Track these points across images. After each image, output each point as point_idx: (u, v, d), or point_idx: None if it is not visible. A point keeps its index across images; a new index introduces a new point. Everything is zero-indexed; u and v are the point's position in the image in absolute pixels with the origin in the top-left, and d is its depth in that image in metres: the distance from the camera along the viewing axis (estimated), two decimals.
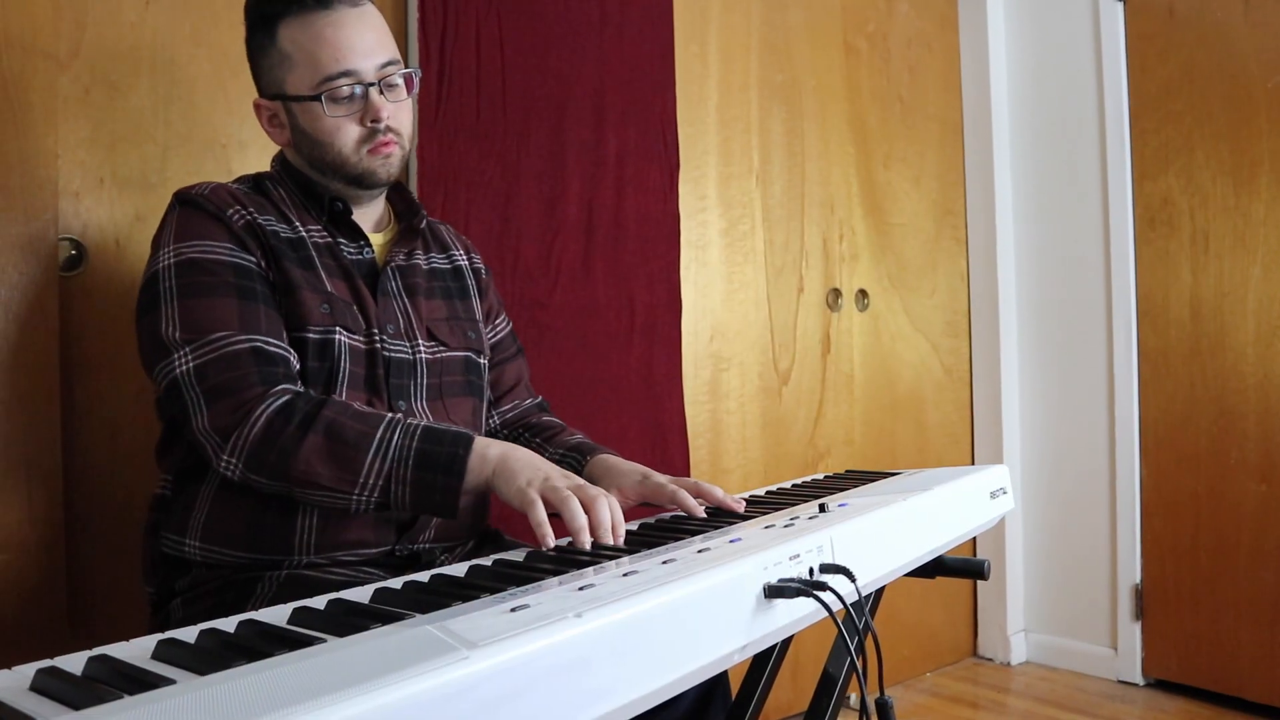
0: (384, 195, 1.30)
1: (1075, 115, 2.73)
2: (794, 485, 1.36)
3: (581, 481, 1.01)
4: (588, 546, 0.94)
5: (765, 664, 1.22)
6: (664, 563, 0.79)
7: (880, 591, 1.26)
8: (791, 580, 0.80)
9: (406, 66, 1.23)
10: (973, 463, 2.89)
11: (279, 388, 1.06)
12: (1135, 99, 2.60)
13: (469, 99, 1.82)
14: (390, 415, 1.07)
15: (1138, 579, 2.60)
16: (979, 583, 2.88)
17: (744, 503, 1.15)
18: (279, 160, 1.27)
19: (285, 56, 1.17)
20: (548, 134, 1.94)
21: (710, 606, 0.74)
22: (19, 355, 1.35)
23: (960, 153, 2.90)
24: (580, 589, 0.71)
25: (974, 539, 2.87)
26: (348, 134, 1.17)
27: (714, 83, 2.30)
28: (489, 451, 1.03)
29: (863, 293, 2.63)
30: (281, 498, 1.08)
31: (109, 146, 1.48)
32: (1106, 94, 2.64)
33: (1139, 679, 2.59)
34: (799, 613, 0.83)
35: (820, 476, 1.46)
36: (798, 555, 0.84)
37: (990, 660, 2.86)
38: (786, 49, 2.46)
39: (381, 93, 1.18)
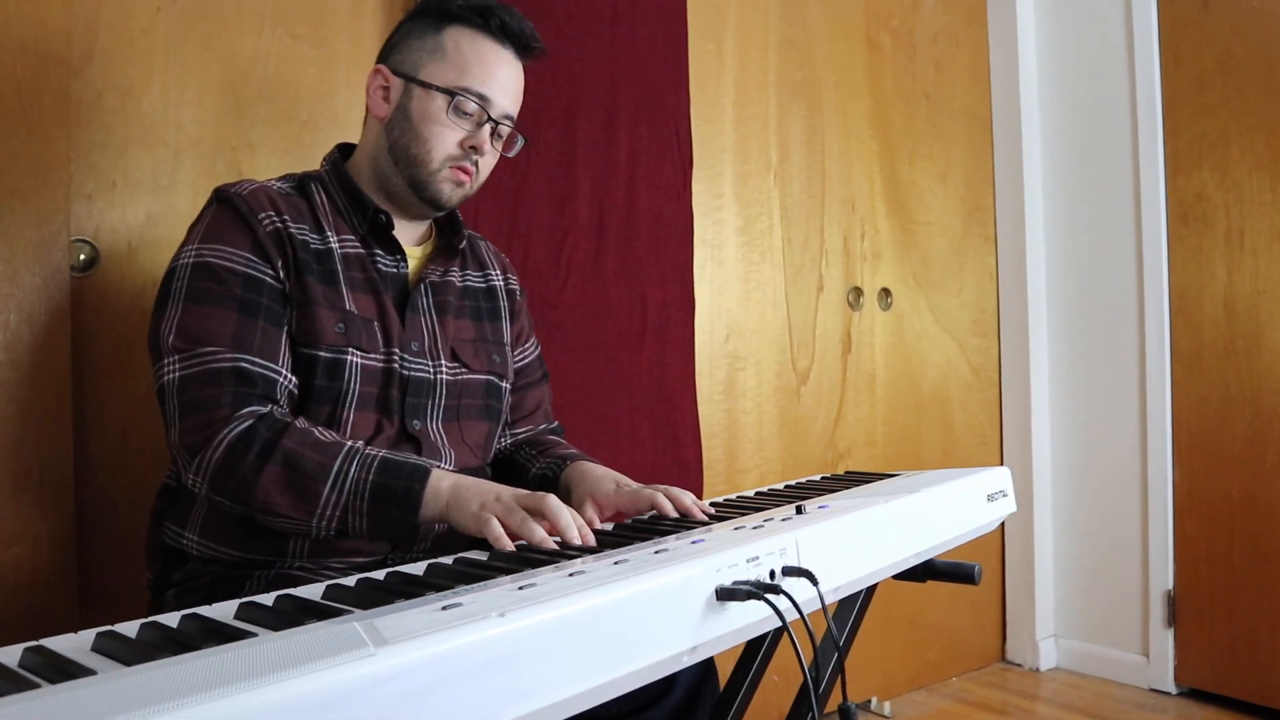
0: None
1: (1107, 109, 2.67)
2: (786, 486, 1.35)
3: (529, 492, 1.02)
4: (550, 546, 0.95)
5: (754, 658, 1.21)
6: (615, 563, 0.79)
7: (869, 595, 1.24)
8: (745, 583, 0.79)
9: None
10: (1001, 464, 2.84)
11: (245, 410, 1.06)
12: (1168, 91, 2.53)
13: None
14: (349, 445, 1.07)
15: (1170, 585, 2.53)
16: (1008, 586, 2.83)
17: (712, 508, 1.14)
18: (330, 161, 1.28)
19: (441, 48, 1.21)
20: (558, 133, 1.94)
21: (655, 608, 0.73)
22: (32, 355, 1.39)
23: (989, 149, 2.85)
24: (521, 588, 0.71)
25: (1003, 543, 2.83)
26: (446, 141, 1.20)
27: (730, 80, 2.29)
28: (442, 485, 1.04)
29: (886, 291, 2.59)
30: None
31: (121, 150, 1.52)
32: (1139, 87, 2.57)
33: (1171, 688, 2.52)
34: (754, 616, 0.81)
35: (816, 478, 1.44)
36: (756, 558, 0.83)
37: (1019, 666, 2.80)
38: (806, 45, 2.44)
39: (492, 133, 1.23)
